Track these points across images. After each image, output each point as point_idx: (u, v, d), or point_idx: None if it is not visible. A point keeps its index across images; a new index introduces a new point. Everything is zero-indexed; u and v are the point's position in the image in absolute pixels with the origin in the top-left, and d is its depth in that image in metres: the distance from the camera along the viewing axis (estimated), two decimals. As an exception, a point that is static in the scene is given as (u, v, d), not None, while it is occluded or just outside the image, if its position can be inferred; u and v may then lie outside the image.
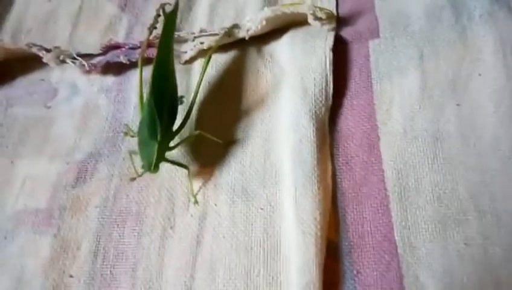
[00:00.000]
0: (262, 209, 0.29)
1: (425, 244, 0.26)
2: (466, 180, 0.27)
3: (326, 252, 0.27)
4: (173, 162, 0.30)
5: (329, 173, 0.29)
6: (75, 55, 0.36)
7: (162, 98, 0.30)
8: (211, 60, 0.34)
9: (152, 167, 0.29)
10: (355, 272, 0.26)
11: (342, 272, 0.27)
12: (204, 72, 0.32)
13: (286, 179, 0.29)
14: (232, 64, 0.35)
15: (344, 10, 0.35)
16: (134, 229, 0.30)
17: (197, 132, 0.31)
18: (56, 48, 0.36)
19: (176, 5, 0.34)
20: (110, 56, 0.36)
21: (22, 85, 0.38)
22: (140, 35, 0.38)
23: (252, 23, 0.34)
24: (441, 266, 0.25)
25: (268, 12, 0.33)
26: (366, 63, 0.32)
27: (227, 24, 0.36)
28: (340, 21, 0.34)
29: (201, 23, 0.37)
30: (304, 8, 0.32)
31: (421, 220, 0.27)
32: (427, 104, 0.30)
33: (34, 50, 0.36)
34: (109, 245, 0.30)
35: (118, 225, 0.30)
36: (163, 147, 0.30)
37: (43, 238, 0.31)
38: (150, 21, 0.36)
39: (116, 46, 0.37)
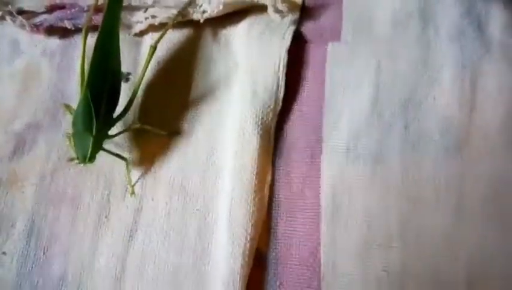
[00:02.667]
0: (198, 210, 0.29)
1: (347, 266, 0.27)
2: (398, 209, 0.28)
3: (254, 261, 0.28)
4: (111, 153, 0.29)
5: (268, 183, 0.29)
6: (14, 13, 0.33)
7: (102, 83, 0.29)
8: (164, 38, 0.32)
9: (86, 160, 0.28)
10: (278, 283, 0.28)
11: (266, 282, 0.28)
12: (150, 58, 0.30)
13: (225, 183, 0.29)
14: (184, 45, 0.32)
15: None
16: (69, 213, 0.30)
17: (138, 125, 0.30)
18: (-5, 0, 0.33)
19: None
20: (54, 18, 0.33)
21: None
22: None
23: (207, 5, 0.31)
24: (359, 289, 0.27)
25: (227, -4, 0.30)
26: (322, 68, 0.30)
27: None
28: (303, 11, 0.32)
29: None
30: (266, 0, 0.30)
31: (347, 242, 0.28)
32: (375, 123, 0.29)
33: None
34: (44, 226, 0.30)
35: (53, 206, 0.30)
36: (100, 139, 0.29)
37: (-25, 212, 0.31)
38: None
39: (62, 6, 0.33)
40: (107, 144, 0.30)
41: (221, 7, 0.31)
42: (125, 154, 0.30)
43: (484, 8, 0.31)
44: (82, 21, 0.33)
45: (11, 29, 0.34)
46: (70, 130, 0.30)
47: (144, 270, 0.28)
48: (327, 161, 0.29)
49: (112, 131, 0.30)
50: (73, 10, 0.33)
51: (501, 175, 0.27)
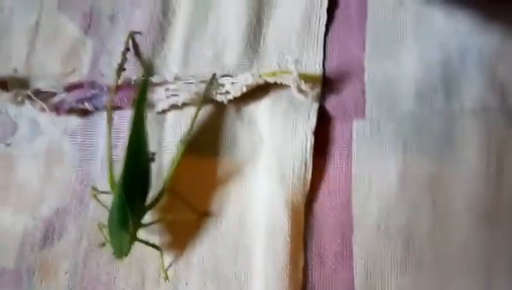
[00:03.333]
0: (232, 294, 0.30)
1: None
2: (430, 287, 0.28)
3: None
4: (145, 243, 0.30)
5: (301, 265, 0.29)
6: (33, 97, 0.32)
7: (136, 176, 0.29)
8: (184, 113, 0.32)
9: (123, 256, 0.28)
10: None
11: None
12: (181, 155, 0.30)
13: (258, 267, 0.29)
14: (208, 122, 0.32)
15: (330, 69, 0.32)
16: (105, 300, 0.31)
17: (171, 216, 0.30)
18: (12, 84, 0.33)
19: (147, 71, 0.30)
20: (73, 98, 0.33)
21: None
22: (106, 68, 0.34)
23: (230, 85, 0.31)
24: None
25: (250, 79, 0.30)
26: (348, 146, 0.30)
27: (204, 67, 0.33)
28: (325, 85, 0.32)
29: (175, 60, 0.34)
30: (288, 80, 0.30)
31: (382, 322, 0.28)
32: (404, 200, 0.29)
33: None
34: (81, 314, 0.31)
35: (88, 292, 0.31)
36: (135, 233, 0.29)
37: (13, 303, 0.31)
38: (119, 52, 0.33)
39: (80, 85, 0.33)
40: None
41: (244, 89, 0.30)
42: (156, 238, 0.31)
43: (506, 74, 0.31)
44: (101, 101, 0.33)
45: (29, 109, 0.34)
46: (101, 219, 0.30)
47: None
48: (359, 240, 0.29)
49: (144, 219, 0.30)
50: (92, 91, 0.33)
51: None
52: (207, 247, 0.31)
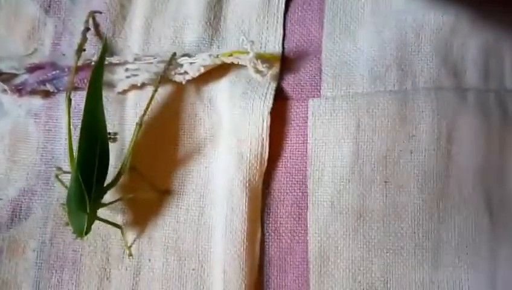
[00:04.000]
0: (194, 269, 0.31)
1: (335, 316, 0.29)
2: (380, 259, 0.29)
3: (249, 317, 0.30)
4: (105, 221, 0.31)
5: (258, 241, 0.30)
6: (-5, 78, 0.33)
7: (92, 157, 0.29)
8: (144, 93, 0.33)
9: (83, 234, 0.29)
10: (271, 336, 0.30)
11: (259, 336, 0.30)
12: (136, 135, 0.30)
13: (217, 244, 0.30)
14: (167, 103, 0.33)
15: (289, 49, 0.33)
16: (71, 277, 0.32)
17: (131, 195, 0.31)
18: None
19: (104, 48, 0.30)
20: (35, 79, 0.33)
21: None
22: (68, 48, 0.34)
23: (188, 66, 0.31)
24: (345, 338, 0.29)
25: (207, 59, 0.30)
26: (304, 125, 0.31)
27: (165, 46, 0.33)
28: (283, 64, 0.32)
29: (136, 40, 0.34)
30: (245, 61, 0.30)
31: (335, 292, 0.30)
32: (356, 179, 0.30)
33: None
34: (49, 290, 0.32)
35: (56, 270, 0.32)
36: (94, 211, 0.30)
37: (-19, 280, 0.32)
38: (79, 31, 0.33)
39: (42, 67, 0.33)
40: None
41: (202, 70, 0.31)
42: (118, 217, 0.32)
43: (460, 54, 0.31)
44: (63, 82, 0.33)
45: (-7, 89, 0.34)
46: (63, 200, 0.31)
47: (148, 329, 0.31)
48: (313, 216, 0.30)
49: (104, 198, 0.31)
50: (54, 72, 0.33)
51: (474, 224, 0.29)
52: (169, 224, 0.32)
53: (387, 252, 0.29)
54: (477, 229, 0.29)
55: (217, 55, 0.31)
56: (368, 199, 0.30)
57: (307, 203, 0.31)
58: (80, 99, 0.33)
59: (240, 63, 0.30)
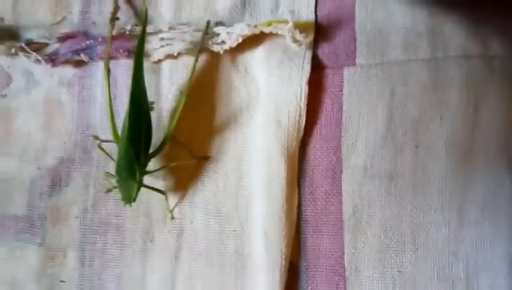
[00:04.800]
0: (235, 231, 0.33)
1: (367, 269, 0.32)
2: (410, 218, 0.32)
3: (288, 272, 0.32)
4: (151, 188, 0.32)
5: (295, 204, 0.32)
6: (27, 49, 0.32)
7: (139, 126, 0.30)
8: (180, 62, 0.33)
9: (131, 201, 0.30)
10: (310, 288, 0.32)
11: (298, 288, 0.32)
12: (182, 106, 0.31)
13: (257, 208, 0.32)
14: (203, 72, 0.33)
15: (323, 16, 0.33)
16: (115, 241, 0.33)
17: (175, 163, 0.32)
18: (1, 35, 0.32)
19: (144, 21, 0.30)
20: (68, 49, 0.33)
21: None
22: (98, 16, 0.34)
23: (226, 35, 0.31)
24: (377, 288, 0.32)
25: (245, 29, 0.31)
26: (339, 94, 0.32)
27: (196, 13, 0.33)
28: (317, 33, 0.33)
29: (168, 8, 0.34)
30: (283, 30, 0.30)
31: (367, 249, 0.32)
32: (389, 144, 0.32)
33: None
34: (94, 254, 0.33)
35: (99, 235, 0.33)
36: (141, 179, 0.31)
37: (29, 247, 0.33)
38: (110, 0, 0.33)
39: (73, 36, 0.33)
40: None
41: (240, 40, 0.31)
42: (160, 182, 0.33)
43: (487, 23, 0.32)
44: (96, 51, 0.33)
45: (23, 60, 0.34)
46: (105, 166, 0.32)
47: (192, 288, 0.32)
48: (347, 179, 0.32)
49: (149, 166, 0.32)
50: (87, 42, 0.33)
51: (496, 184, 0.31)
52: (208, 189, 0.33)
53: (416, 211, 0.32)
54: (499, 189, 0.31)
55: (255, 25, 0.31)
56: (399, 162, 0.32)
57: (341, 168, 0.32)
58: (113, 69, 0.33)
59: (278, 33, 0.31)
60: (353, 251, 0.32)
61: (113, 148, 0.31)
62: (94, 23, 0.34)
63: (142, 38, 0.31)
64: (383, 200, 0.32)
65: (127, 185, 0.30)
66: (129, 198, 0.30)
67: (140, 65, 0.30)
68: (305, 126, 0.32)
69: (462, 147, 0.32)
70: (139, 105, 0.30)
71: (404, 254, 0.32)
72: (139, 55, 0.30)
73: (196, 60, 0.32)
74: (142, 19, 0.32)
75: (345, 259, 0.32)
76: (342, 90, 0.32)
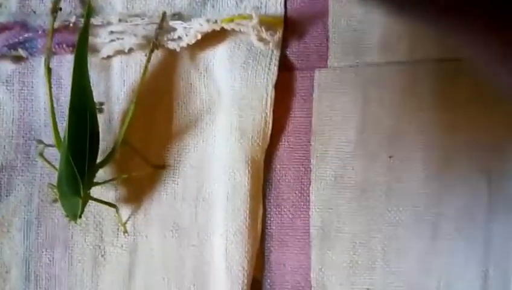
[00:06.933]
0: (193, 246, 0.30)
1: (335, 287, 0.30)
2: (380, 233, 0.30)
3: (251, 289, 0.30)
4: (99, 201, 0.29)
5: (260, 218, 0.30)
6: (-45, 42, 0.28)
7: (83, 134, 0.27)
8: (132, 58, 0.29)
9: (77, 218, 0.27)
10: (273, 306, 0.30)
11: (261, 306, 0.31)
12: (133, 113, 0.28)
13: (218, 221, 0.30)
14: (159, 70, 0.30)
15: (292, 10, 0.30)
16: (64, 255, 0.30)
17: (126, 175, 0.29)
18: None
19: (89, 11, 0.26)
20: (4, 43, 0.29)
21: None
22: (38, 4, 0.30)
23: (182, 31, 0.28)
24: (346, 306, 0.30)
25: (205, 25, 0.27)
26: (309, 98, 0.29)
27: (151, 4, 0.30)
28: (286, 29, 0.29)
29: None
30: (248, 28, 0.27)
31: (335, 265, 0.30)
32: (361, 153, 0.29)
33: None
34: (40, 269, 0.30)
35: (46, 249, 0.30)
36: (87, 194, 0.28)
37: (-35, 263, 0.30)
38: None
39: (10, 26, 0.29)
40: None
41: (199, 36, 0.28)
42: (111, 193, 0.30)
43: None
44: (36, 45, 0.29)
45: (-46, 53, 0.30)
46: (50, 174, 0.29)
47: (149, 306, 0.30)
48: (316, 191, 0.30)
49: (97, 176, 0.29)
50: (25, 35, 0.29)
51: (473, 196, 0.29)
52: (165, 200, 0.30)
53: (387, 225, 0.30)
54: (475, 203, 0.29)
55: (216, 21, 0.28)
56: (371, 173, 0.30)
57: (310, 179, 0.30)
58: (56, 65, 0.29)
59: (242, 31, 0.28)
60: (320, 267, 0.30)
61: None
62: (35, 12, 0.30)
63: (84, 30, 0.27)
64: (354, 213, 0.30)
65: (69, 201, 0.27)
66: (73, 215, 0.27)
67: (82, 61, 0.27)
68: (272, 133, 0.29)
69: (439, 158, 0.29)
70: (82, 108, 0.27)
71: (375, 271, 0.30)
72: (81, 49, 0.26)
73: (149, 58, 0.28)
74: (87, 6, 0.28)
75: (312, 276, 0.30)
76: (311, 95, 0.29)
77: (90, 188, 0.28)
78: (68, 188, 0.27)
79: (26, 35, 0.29)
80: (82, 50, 0.26)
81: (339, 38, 0.29)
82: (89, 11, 0.27)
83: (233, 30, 0.28)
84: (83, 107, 0.27)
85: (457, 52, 0.28)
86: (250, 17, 0.27)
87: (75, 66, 0.26)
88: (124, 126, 0.28)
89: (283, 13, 0.30)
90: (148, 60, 0.28)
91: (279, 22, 0.29)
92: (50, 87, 0.27)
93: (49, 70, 0.27)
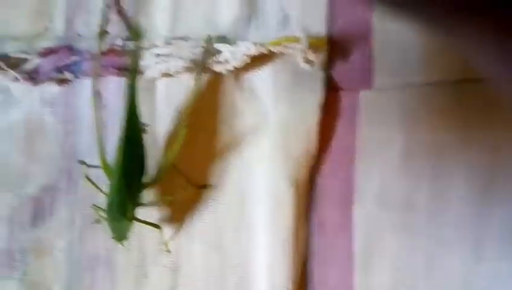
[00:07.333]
0: (236, 265, 0.30)
1: (379, 307, 0.30)
2: (424, 250, 0.30)
3: (293, 309, 0.30)
4: (145, 223, 0.29)
5: (303, 237, 0.30)
6: (3, 65, 0.28)
7: (132, 163, 0.27)
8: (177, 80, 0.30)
9: (124, 240, 0.28)
10: (316, 327, 0.30)
11: (305, 327, 0.30)
12: (182, 138, 0.28)
13: (261, 240, 0.30)
14: (204, 92, 0.30)
15: (335, 30, 0.30)
16: (105, 277, 0.30)
17: (171, 197, 0.29)
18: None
19: (137, 37, 0.27)
20: (50, 66, 0.29)
21: None
22: (84, 28, 0.30)
23: (229, 54, 0.28)
24: (390, 327, 0.30)
25: (252, 49, 0.28)
26: (353, 118, 0.29)
27: (195, 26, 0.30)
28: (330, 48, 0.30)
29: (163, 19, 0.30)
30: (295, 51, 0.27)
31: (378, 284, 0.30)
32: (404, 173, 0.29)
33: None
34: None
35: (87, 270, 0.30)
36: (133, 214, 0.28)
37: (8, 283, 0.30)
38: (97, 9, 0.29)
39: (56, 50, 0.29)
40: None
41: (248, 60, 0.28)
42: (154, 213, 0.30)
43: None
44: (82, 68, 0.29)
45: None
46: (92, 194, 0.29)
47: (192, 327, 0.30)
48: (359, 210, 0.30)
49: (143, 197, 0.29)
50: (72, 58, 0.29)
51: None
52: (208, 219, 0.30)
53: (431, 245, 0.30)
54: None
55: (263, 43, 0.28)
56: (415, 192, 0.30)
57: (353, 198, 0.30)
58: (103, 89, 0.29)
59: (287, 52, 0.28)
60: (363, 287, 0.30)
61: (101, 175, 0.28)
62: (80, 35, 0.30)
63: (135, 54, 0.27)
64: (397, 233, 0.30)
65: (119, 224, 0.27)
66: (120, 237, 0.27)
67: (134, 86, 0.27)
68: (316, 154, 0.30)
69: (482, 177, 0.29)
70: (134, 132, 0.27)
71: (417, 287, 0.30)
72: (132, 74, 0.27)
73: (197, 83, 0.28)
74: (136, 32, 0.28)
75: (355, 296, 0.30)
76: (356, 115, 0.30)
77: (136, 210, 0.28)
78: (120, 212, 0.27)
79: (72, 58, 0.29)
80: (134, 71, 0.27)
81: (383, 58, 0.30)
82: (139, 33, 0.28)
83: (280, 52, 0.29)
84: (135, 131, 0.27)
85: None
86: (297, 40, 0.28)
87: (128, 91, 0.27)
88: (175, 149, 0.28)
89: (326, 33, 0.30)
90: (197, 83, 0.28)
91: (323, 42, 0.29)
92: (98, 110, 0.28)
93: (97, 94, 0.28)
